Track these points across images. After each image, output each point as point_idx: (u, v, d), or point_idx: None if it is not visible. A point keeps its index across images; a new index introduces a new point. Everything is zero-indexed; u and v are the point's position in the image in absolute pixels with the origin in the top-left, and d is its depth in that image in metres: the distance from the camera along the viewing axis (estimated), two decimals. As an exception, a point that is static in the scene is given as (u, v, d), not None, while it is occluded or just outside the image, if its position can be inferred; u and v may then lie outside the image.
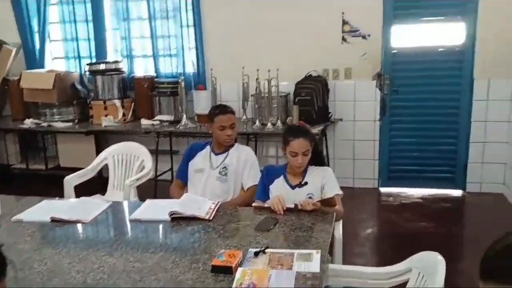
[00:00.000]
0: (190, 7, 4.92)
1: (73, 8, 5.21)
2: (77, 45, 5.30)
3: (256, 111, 4.56)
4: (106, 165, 3.61)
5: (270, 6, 4.72)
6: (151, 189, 4.66)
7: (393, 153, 4.80)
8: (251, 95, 4.67)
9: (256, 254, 1.83)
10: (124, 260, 1.85)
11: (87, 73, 5.07)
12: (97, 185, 3.80)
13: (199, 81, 4.95)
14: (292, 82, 4.65)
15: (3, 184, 4.80)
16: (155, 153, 4.68)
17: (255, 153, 3.00)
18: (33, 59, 5.33)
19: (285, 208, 2.31)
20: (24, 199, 2.66)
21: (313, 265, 1.72)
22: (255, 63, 4.45)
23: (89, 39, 5.26)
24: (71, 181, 3.27)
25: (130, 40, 5.17)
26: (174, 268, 1.76)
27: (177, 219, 2.24)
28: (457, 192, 4.69)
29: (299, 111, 4.43)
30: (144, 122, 4.83)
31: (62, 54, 5.41)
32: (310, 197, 2.50)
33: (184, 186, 2.99)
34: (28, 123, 4.93)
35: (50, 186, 3.62)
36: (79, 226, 2.25)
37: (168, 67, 5.15)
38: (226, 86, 4.93)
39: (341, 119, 4.78)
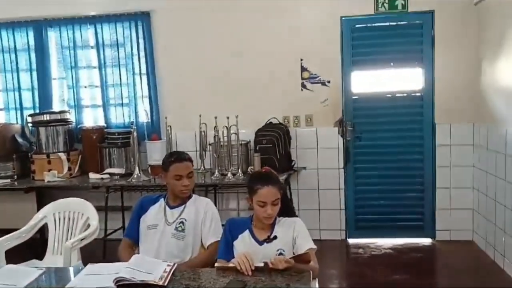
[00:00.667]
0: (142, 54, 4.69)
1: (16, 56, 4.86)
2: (19, 95, 4.92)
3: (215, 160, 4.29)
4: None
5: (227, 52, 4.57)
6: (99, 250, 4.20)
7: (360, 202, 4.59)
8: (209, 144, 4.41)
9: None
10: None
11: (30, 124, 4.65)
12: (36, 249, 3.33)
13: (153, 130, 4.64)
14: (252, 130, 4.45)
15: None
16: (105, 210, 4.27)
17: (215, 206, 2.69)
18: (-31, 111, 4.89)
19: (253, 268, 1.99)
20: None
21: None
22: (212, 111, 4.23)
23: (32, 89, 4.89)
24: (1, 244, 2.81)
25: (78, 89, 4.85)
26: None
27: (124, 286, 1.86)
28: (427, 241, 4.51)
29: (261, 160, 4.19)
30: (93, 176, 4.43)
31: (1, 105, 4.98)
32: (280, 253, 2.20)
33: (134, 245, 2.61)
34: (-40, 180, 4.41)
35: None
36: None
37: (119, 117, 4.83)
38: (182, 135, 4.65)
39: (304, 168, 4.56)
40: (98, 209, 3.19)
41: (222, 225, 2.50)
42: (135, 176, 4.25)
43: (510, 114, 3.55)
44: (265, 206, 2.22)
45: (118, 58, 4.75)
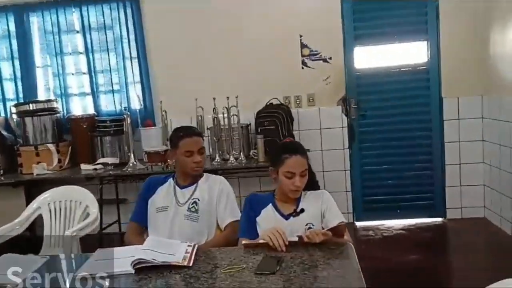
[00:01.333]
0: (132, 37, 4.42)
1: (-5, 44, 4.55)
2: (1, 85, 4.60)
3: (215, 145, 4.05)
4: (41, 218, 2.91)
5: (222, 31, 4.33)
6: (94, 245, 3.91)
7: (367, 183, 4.41)
8: (207, 128, 4.17)
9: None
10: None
11: (14, 116, 4.34)
12: (28, 245, 3.04)
13: (146, 117, 4.38)
14: (251, 112, 4.21)
15: None
16: (100, 202, 3.95)
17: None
18: None
19: (287, 243, 1.78)
20: None
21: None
22: (209, 94, 3.99)
23: (15, 79, 4.58)
24: (-8, 238, 2.54)
25: (64, 77, 4.55)
26: None
27: (143, 270, 1.63)
28: (438, 220, 4.34)
29: (264, 142, 3.97)
30: (85, 167, 4.15)
31: (-18, 97, 4.66)
32: (310, 228, 1.99)
33: (143, 230, 2.37)
34: None
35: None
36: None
37: (110, 104, 4.55)
38: (177, 120, 4.35)
39: (308, 150, 4.32)
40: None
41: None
42: (131, 164, 4.00)
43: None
44: (293, 177, 2.02)
45: (106, 42, 4.46)
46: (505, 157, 3.81)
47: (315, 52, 4.30)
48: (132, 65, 4.47)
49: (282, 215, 2.07)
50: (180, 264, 1.65)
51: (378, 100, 4.31)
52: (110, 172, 4.06)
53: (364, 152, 4.39)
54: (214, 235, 2.33)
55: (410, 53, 4.24)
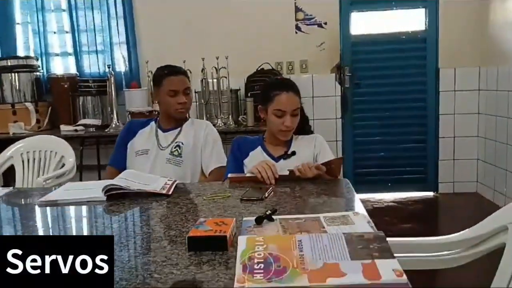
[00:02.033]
0: (118, -6, 4.20)
1: (-28, -2, 4.30)
2: (-22, 43, 4.36)
3: (203, 108, 3.88)
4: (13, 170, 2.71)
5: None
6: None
7: (358, 154, 4.27)
8: (195, 92, 3.98)
9: (259, 221, 1.10)
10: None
11: (-10, 72, 4.11)
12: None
13: (131, 78, 4.18)
14: (241, 78, 4.04)
15: None
16: (80, 167, 3.78)
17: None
18: None
19: (276, 176, 1.62)
20: None
21: (361, 228, 1.04)
22: (197, 57, 3.80)
23: (-7, 36, 4.34)
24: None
25: (45, 35, 4.32)
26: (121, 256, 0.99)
27: (117, 198, 1.46)
28: (429, 194, 4.23)
29: (254, 107, 3.80)
30: (65, 128, 3.94)
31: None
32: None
33: (121, 174, 2.19)
34: None
35: None
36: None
37: (93, 65, 4.34)
38: (165, 83, 4.19)
39: (299, 118, 4.19)
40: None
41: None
42: (113, 125, 3.81)
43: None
44: (284, 116, 1.85)
45: (91, -1, 4.25)
46: (501, 129, 3.69)
47: (310, 17, 4.13)
48: (117, 24, 4.25)
49: (271, 157, 1.91)
50: (157, 192, 1.48)
51: (373, 68, 4.17)
52: (92, 133, 3.86)
53: (357, 122, 4.24)
54: (198, 181, 2.16)
55: (408, 20, 4.10)
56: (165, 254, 0.97)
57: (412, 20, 4.09)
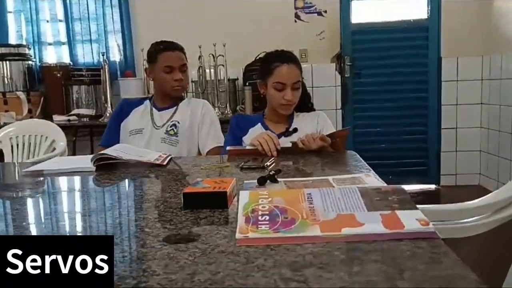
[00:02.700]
0: (114, -19, 4.10)
1: (-37, -15, 4.19)
2: (-31, 31, 4.24)
3: (200, 98, 3.76)
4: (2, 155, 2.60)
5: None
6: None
7: (358, 146, 4.14)
8: (192, 81, 3.88)
9: (262, 182, 1.00)
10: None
11: (-19, 61, 4.00)
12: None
13: (126, 68, 4.07)
14: (239, 67, 3.94)
15: None
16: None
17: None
18: None
19: (278, 148, 1.51)
20: None
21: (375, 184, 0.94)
22: (194, 44, 3.69)
23: (-16, 24, 4.23)
24: None
25: (38, 24, 4.21)
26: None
27: (107, 168, 1.35)
28: (431, 187, 4.13)
29: (252, 97, 3.71)
30: (57, 118, 3.83)
31: None
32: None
33: (114, 155, 2.08)
34: None
35: None
36: None
37: (87, 55, 4.23)
38: (161, 73, 4.09)
39: (298, 108, 4.09)
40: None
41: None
42: (107, 115, 3.70)
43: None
44: (284, 89, 1.76)
45: (85, -14, 4.14)
46: (505, 118, 3.61)
47: (310, 5, 4.04)
48: (112, 12, 4.15)
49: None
50: (151, 162, 1.38)
51: (374, 58, 4.07)
52: (85, 122, 3.76)
53: (357, 113, 4.15)
54: (194, 163, 2.06)
55: (410, 8, 4.01)
56: (158, 212, 0.87)
57: (414, 8, 4.01)
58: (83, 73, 3.96)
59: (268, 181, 1.00)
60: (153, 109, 2.10)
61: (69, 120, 3.77)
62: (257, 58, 3.99)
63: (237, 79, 3.97)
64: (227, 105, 3.71)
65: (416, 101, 4.11)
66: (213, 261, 0.60)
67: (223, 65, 3.70)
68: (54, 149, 2.52)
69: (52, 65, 4.07)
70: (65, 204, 1.05)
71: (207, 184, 0.93)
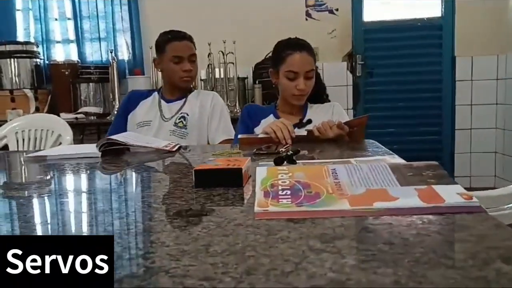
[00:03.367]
0: (123, -21, 4.07)
1: (-28, -18, 4.17)
2: (-23, 29, 4.22)
3: (209, 96, 3.70)
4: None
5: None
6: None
7: (370, 147, 4.07)
8: (201, 80, 3.83)
9: (279, 162, 0.93)
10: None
11: (-11, 58, 3.97)
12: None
13: (135, 65, 4.03)
14: (249, 66, 3.88)
15: None
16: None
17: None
18: None
19: (293, 135, 1.44)
20: None
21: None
22: (204, 41, 3.63)
23: (-7, 22, 4.20)
24: None
25: (47, 22, 4.18)
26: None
27: (113, 155, 1.28)
28: (445, 189, 4.02)
29: (262, 95, 3.64)
30: (65, 116, 3.76)
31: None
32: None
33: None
34: None
35: None
36: None
37: (96, 53, 4.19)
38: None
39: (309, 108, 4.01)
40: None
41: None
42: (115, 113, 3.63)
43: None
44: (297, 78, 1.68)
45: (95, -15, 4.11)
46: (523, 118, 3.50)
47: (321, 3, 3.98)
48: (121, 10, 4.11)
49: (286, 124, 1.73)
50: (159, 148, 1.31)
51: (386, 57, 3.99)
52: (93, 121, 3.71)
53: (369, 113, 4.03)
54: (203, 156, 1.99)
55: (423, 7, 3.92)
56: (167, 190, 0.80)
57: (427, 7, 3.92)
58: (91, 71, 3.91)
59: (285, 162, 0.93)
60: (162, 101, 2.04)
61: (76, 118, 3.72)
62: (267, 56, 3.93)
63: (247, 77, 3.91)
64: (236, 103, 3.65)
65: (429, 101, 4.01)
66: (230, 233, 0.53)
67: (232, 63, 3.64)
68: (60, 143, 2.47)
69: (60, 63, 4.04)
70: (68, 185, 0.98)
71: (220, 162, 0.85)
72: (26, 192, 0.87)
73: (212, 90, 3.68)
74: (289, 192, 0.66)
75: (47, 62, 4.12)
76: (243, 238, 0.51)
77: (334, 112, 1.78)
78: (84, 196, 0.84)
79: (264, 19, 3.97)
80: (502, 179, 3.87)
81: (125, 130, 2.01)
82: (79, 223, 0.65)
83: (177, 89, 2.03)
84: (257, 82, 3.73)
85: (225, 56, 3.61)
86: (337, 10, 3.97)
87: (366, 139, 1.58)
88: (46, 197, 0.82)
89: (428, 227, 0.53)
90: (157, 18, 4.08)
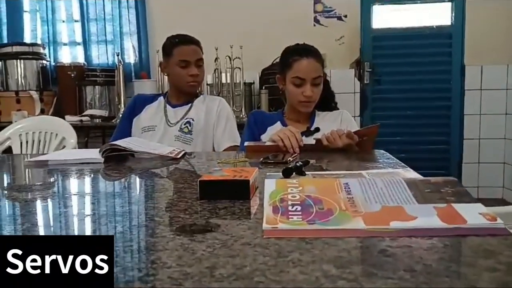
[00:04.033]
0: (131, -18, 4.06)
1: (-20, -16, 4.18)
2: (-16, 29, 4.23)
3: (215, 100, 3.67)
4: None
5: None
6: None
7: (377, 155, 4.02)
8: (207, 84, 3.80)
9: (287, 174, 0.89)
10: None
11: (-5, 59, 3.97)
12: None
13: (141, 68, 4.01)
14: (255, 71, 3.85)
15: None
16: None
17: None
18: None
19: (301, 144, 1.40)
20: None
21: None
22: (211, 46, 3.61)
23: (0, 22, 4.20)
24: None
25: (54, 23, 4.17)
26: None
27: (116, 161, 1.25)
28: (452, 199, 3.96)
29: (269, 101, 3.61)
30: (70, 118, 3.75)
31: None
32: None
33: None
34: None
35: None
36: None
37: (102, 55, 4.18)
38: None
39: (315, 114, 3.97)
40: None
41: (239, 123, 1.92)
42: (120, 116, 3.61)
43: None
44: (303, 85, 1.65)
45: (102, -13, 4.10)
46: (533, 129, 3.45)
47: (330, 9, 3.95)
48: (128, 13, 4.10)
49: (293, 133, 1.69)
50: (164, 155, 1.28)
51: (394, 64, 3.94)
52: (97, 123, 3.68)
53: (376, 121, 3.98)
54: (208, 163, 1.95)
55: (433, 14, 3.88)
56: (170, 202, 0.76)
57: (437, 14, 3.88)
58: (97, 73, 3.89)
59: (294, 173, 0.89)
60: (167, 105, 2.01)
61: (81, 121, 3.70)
62: (274, 62, 3.90)
63: (253, 82, 3.88)
64: (243, 109, 3.62)
65: (438, 110, 3.96)
66: (236, 254, 0.49)
67: (239, 68, 3.61)
68: (64, 146, 2.44)
69: (66, 65, 4.02)
70: (68, 193, 0.95)
71: (226, 173, 0.82)
72: (19, 202, 0.83)
73: (218, 95, 3.66)
74: (299, 207, 0.62)
75: (53, 64, 4.11)
76: (251, 260, 0.47)
77: (342, 120, 1.75)
78: (83, 205, 0.80)
79: (272, 24, 3.94)
80: (510, 190, 3.81)
81: (129, 134, 1.98)
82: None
83: (183, 93, 2.00)
84: (263, 87, 3.70)
85: (232, 61, 3.58)
86: (345, 16, 3.93)
87: (375, 148, 1.54)
88: (42, 205, 0.79)
89: (451, 251, 0.49)
90: (164, 21, 4.07)
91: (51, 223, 0.66)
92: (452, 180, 0.70)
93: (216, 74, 3.62)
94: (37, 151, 2.48)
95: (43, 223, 0.66)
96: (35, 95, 3.84)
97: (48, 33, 4.17)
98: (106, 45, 4.16)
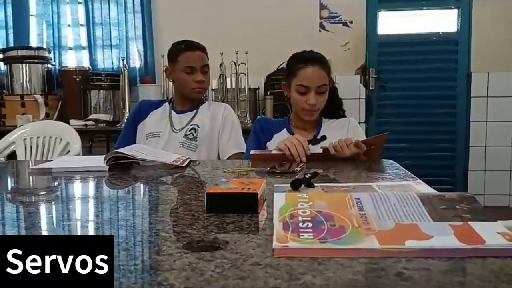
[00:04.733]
0: (136, -13, 4.06)
1: (-14, -12, 4.19)
2: (-10, 33, 4.23)
3: (219, 106, 3.66)
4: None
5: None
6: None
7: (382, 162, 3.99)
8: (212, 89, 3.79)
9: (296, 186, 0.87)
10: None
11: (0, 62, 3.97)
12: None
13: (146, 73, 4.00)
14: (260, 77, 3.84)
15: None
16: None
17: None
18: None
19: (308, 153, 1.38)
20: None
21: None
22: (216, 51, 3.59)
23: (6, 27, 4.21)
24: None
25: (59, 28, 4.18)
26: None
27: (120, 169, 1.23)
28: (458, 207, 3.92)
29: (273, 107, 3.59)
30: (74, 122, 3.75)
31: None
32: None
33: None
34: None
35: None
36: None
37: (107, 60, 4.17)
38: (180, 80, 4.00)
39: (320, 120, 3.95)
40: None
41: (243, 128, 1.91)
42: (125, 121, 3.60)
43: None
44: (308, 93, 1.63)
45: (108, -9, 4.10)
46: (540, 137, 3.42)
47: (335, 15, 3.93)
48: (134, 18, 4.10)
49: (299, 141, 1.67)
50: (169, 163, 1.26)
51: (400, 71, 3.92)
52: (102, 128, 3.68)
53: (381, 127, 3.97)
54: (213, 170, 1.93)
55: (439, 21, 3.86)
56: (176, 215, 0.74)
57: (443, 21, 3.86)
58: (102, 78, 3.89)
59: (303, 185, 0.87)
60: (172, 112, 1.99)
61: (86, 125, 3.70)
62: (279, 67, 3.88)
63: (258, 88, 3.86)
64: (247, 114, 3.60)
65: (444, 117, 3.93)
66: (246, 275, 0.47)
67: (244, 74, 3.60)
68: (69, 151, 2.43)
69: (71, 69, 4.02)
70: (71, 203, 0.93)
71: (233, 185, 0.80)
72: (18, 212, 0.82)
73: (223, 101, 3.65)
74: (310, 224, 0.60)
75: (58, 68, 4.10)
76: (262, 282, 0.45)
77: (349, 128, 1.73)
78: (86, 217, 0.79)
79: (277, 30, 3.93)
80: (517, 199, 3.78)
81: (134, 140, 1.97)
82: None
83: (189, 100, 1.99)
84: (268, 93, 3.69)
85: (237, 66, 3.56)
86: (351, 22, 3.92)
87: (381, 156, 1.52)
88: (46, 217, 0.77)
89: (471, 275, 0.47)
90: (170, 27, 4.06)
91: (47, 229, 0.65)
92: (468, 196, 0.68)
93: (221, 79, 3.61)
94: (41, 156, 2.47)
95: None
96: (40, 99, 3.84)
97: (54, 37, 4.17)
98: (111, 49, 4.16)
